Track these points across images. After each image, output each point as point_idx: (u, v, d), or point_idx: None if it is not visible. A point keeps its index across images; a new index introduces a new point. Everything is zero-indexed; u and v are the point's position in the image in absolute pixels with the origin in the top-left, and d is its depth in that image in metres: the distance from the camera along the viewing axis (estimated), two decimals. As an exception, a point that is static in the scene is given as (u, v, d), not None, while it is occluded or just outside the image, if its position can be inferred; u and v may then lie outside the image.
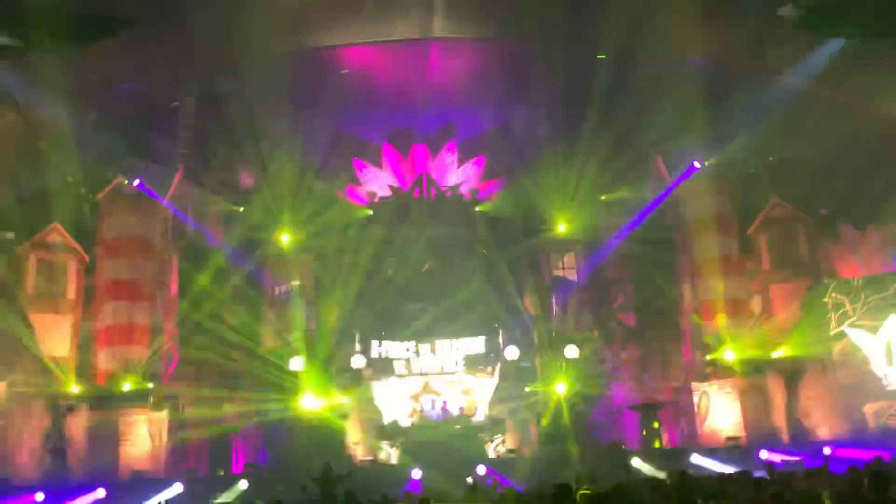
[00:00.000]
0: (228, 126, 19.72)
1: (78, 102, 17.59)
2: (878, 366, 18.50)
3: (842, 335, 19.02)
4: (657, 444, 18.36)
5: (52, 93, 16.60)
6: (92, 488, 15.77)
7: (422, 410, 20.70)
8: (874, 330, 18.67)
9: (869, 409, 18.46)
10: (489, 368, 21.40)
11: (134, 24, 10.38)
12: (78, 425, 17.11)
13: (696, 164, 19.36)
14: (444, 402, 20.35)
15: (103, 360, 17.77)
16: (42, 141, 17.50)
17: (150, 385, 17.81)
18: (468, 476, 15.14)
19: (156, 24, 15.53)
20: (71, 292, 18.83)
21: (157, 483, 16.51)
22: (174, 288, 19.83)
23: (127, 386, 17.39)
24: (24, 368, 17.40)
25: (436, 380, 21.33)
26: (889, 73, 15.94)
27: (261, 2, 17.16)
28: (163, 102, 20.12)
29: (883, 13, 11.30)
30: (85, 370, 18.11)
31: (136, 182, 18.59)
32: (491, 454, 19.01)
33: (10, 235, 18.25)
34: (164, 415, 17.90)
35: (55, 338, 18.20)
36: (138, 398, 17.42)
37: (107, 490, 15.79)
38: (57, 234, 18.79)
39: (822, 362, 18.97)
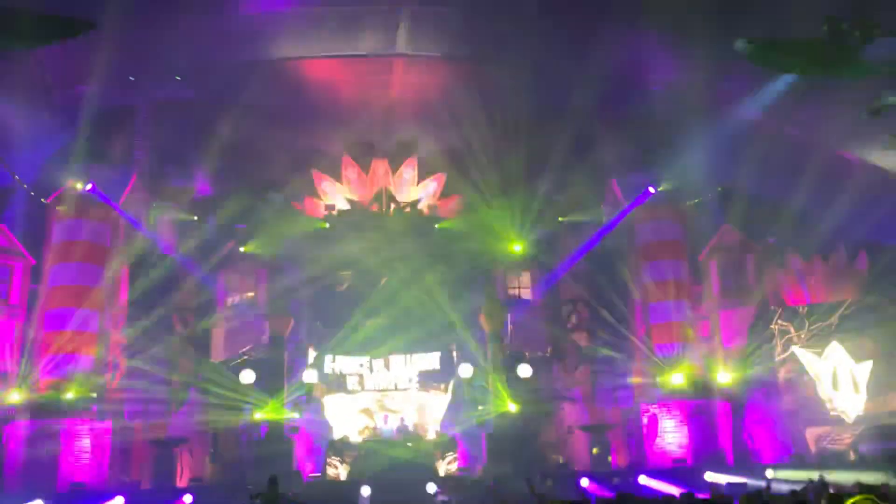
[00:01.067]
0: (185, 133, 19.47)
1: (32, 103, 17.22)
2: (825, 390, 19.07)
3: (786, 361, 19.61)
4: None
5: (4, 92, 16.23)
6: (28, 500, 15.24)
7: (374, 426, 20.55)
8: (818, 357, 19.29)
9: (811, 433, 18.99)
10: (443, 385, 21.40)
11: (94, 27, 10.22)
12: (16, 435, 16.57)
13: (651, 190, 19.76)
14: (402, 419, 20.23)
15: (47, 368, 17.25)
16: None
17: (94, 394, 17.35)
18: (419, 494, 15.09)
19: (115, 26, 15.31)
20: (14, 297, 18.31)
21: (97, 496, 16.06)
22: (124, 295, 19.41)
23: (70, 395, 16.91)
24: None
25: (389, 396, 21.23)
26: (836, 108, 16.53)
27: (223, 11, 17.05)
28: (119, 106, 19.79)
29: (829, 51, 11.75)
30: (27, 378, 17.56)
31: (89, 186, 18.20)
32: (442, 472, 18.96)
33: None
34: (107, 425, 17.45)
35: (-5, 342, 17.67)
36: (82, 408, 16.96)
37: (45, 503, 15.29)
38: (2, 236, 18.30)
39: (767, 387, 19.47)
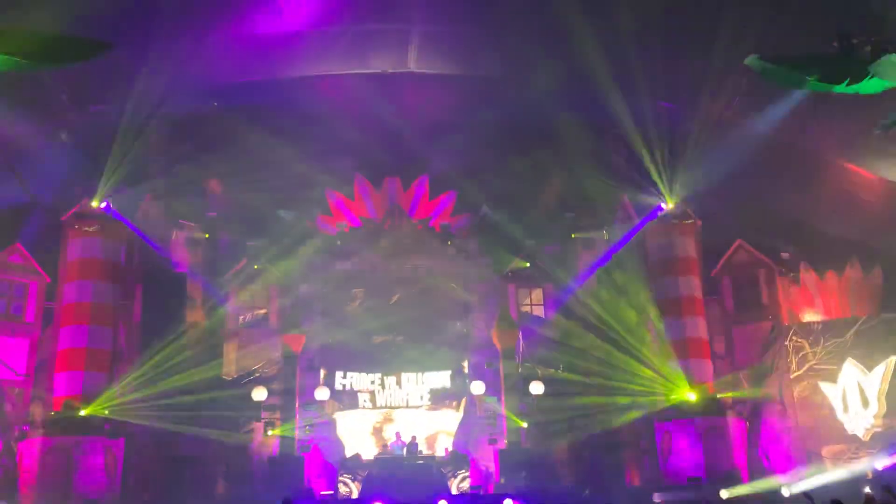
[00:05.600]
0: (199, 151, 19.65)
1: (48, 122, 17.44)
2: (838, 413, 18.89)
3: (801, 378, 19.40)
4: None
5: (21, 112, 16.45)
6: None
7: (385, 444, 20.47)
8: (832, 375, 19.09)
9: (828, 451, 18.76)
10: (455, 403, 21.32)
11: (112, 48, 10.33)
12: (31, 452, 16.61)
13: (662, 206, 19.73)
14: (414, 437, 20.12)
15: (61, 385, 17.30)
16: (9, 159, 17.23)
17: (107, 412, 17.38)
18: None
19: (129, 46, 15.50)
20: (30, 314, 18.46)
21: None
22: (137, 313, 19.51)
23: (83, 412, 16.96)
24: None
25: (400, 413, 21.16)
26: (849, 123, 16.49)
27: (233, 30, 17.27)
28: (134, 124, 20.00)
29: (841, 66, 11.72)
30: (41, 395, 17.65)
31: (104, 204, 18.36)
32: (454, 490, 18.84)
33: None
34: (120, 443, 17.46)
35: (12, 360, 17.78)
36: (95, 425, 16.99)
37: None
38: (18, 254, 18.48)
39: (782, 404, 19.28)
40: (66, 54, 11.10)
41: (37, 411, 17.16)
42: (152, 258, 19.85)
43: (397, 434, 20.36)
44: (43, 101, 16.93)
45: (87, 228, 18.31)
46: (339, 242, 22.09)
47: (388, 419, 21.11)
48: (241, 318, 21.61)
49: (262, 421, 19.71)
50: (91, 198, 18.31)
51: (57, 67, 13.46)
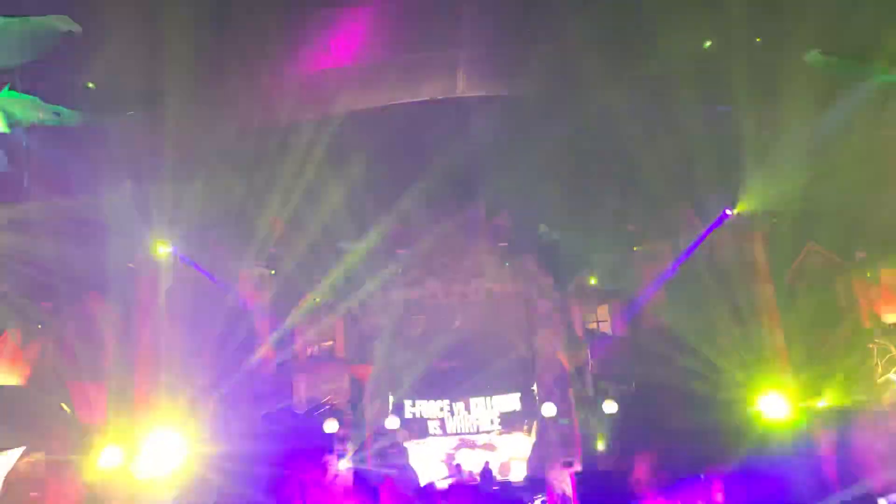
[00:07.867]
0: (259, 191, 20.03)
1: (114, 170, 18.02)
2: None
3: (889, 382, 18.47)
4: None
5: (89, 160, 17.05)
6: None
7: (458, 471, 20.31)
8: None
9: (924, 458, 17.78)
10: (525, 426, 21.03)
11: (163, 97, 10.68)
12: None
13: (728, 212, 19.20)
14: (486, 462, 19.92)
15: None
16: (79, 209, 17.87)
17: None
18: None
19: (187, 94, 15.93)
20: (107, 359, 18.99)
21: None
22: (210, 353, 19.89)
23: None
24: (61, 436, 17.45)
25: (472, 439, 20.99)
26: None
27: (285, 71, 17.61)
28: (194, 170, 20.52)
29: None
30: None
31: (171, 248, 18.86)
32: (531, 515, 18.54)
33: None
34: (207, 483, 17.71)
35: (91, 405, 18.29)
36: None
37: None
38: (94, 301, 19.06)
39: (871, 411, 18.37)
40: (116, 105, 11.55)
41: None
42: (220, 298, 20.25)
43: (469, 461, 20.15)
44: (106, 152, 17.50)
45: (156, 272, 18.81)
46: (399, 271, 22.16)
47: (459, 445, 20.96)
48: (308, 350, 21.84)
49: (335, 453, 19.79)
50: (159, 243, 18.83)
51: (108, 117, 13.95)
